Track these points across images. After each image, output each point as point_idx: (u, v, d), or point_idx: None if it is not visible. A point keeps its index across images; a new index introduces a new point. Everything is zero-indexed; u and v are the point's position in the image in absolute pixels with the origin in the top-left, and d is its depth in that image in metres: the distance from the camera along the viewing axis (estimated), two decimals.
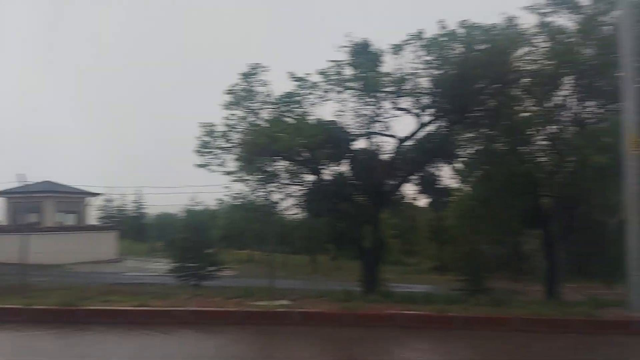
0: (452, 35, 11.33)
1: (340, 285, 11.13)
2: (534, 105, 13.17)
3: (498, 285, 17.78)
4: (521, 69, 12.16)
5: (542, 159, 13.33)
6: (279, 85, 13.31)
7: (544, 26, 12.47)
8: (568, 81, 12.51)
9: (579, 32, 12.09)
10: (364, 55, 12.23)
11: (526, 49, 12.26)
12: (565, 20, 12.46)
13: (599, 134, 11.12)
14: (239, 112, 13.12)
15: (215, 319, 7.28)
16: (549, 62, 12.26)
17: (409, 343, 6.49)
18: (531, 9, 12.48)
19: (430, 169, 13.89)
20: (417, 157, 13.03)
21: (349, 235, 13.53)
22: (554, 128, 13.12)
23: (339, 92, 12.63)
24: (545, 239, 14.37)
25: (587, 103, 12.74)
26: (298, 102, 12.79)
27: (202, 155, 13.30)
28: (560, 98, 12.88)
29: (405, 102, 12.48)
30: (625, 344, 6.48)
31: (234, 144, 12.87)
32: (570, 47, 11.90)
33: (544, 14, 12.49)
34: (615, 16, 9.24)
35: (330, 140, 12.35)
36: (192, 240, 18.45)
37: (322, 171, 13.45)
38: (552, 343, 6.42)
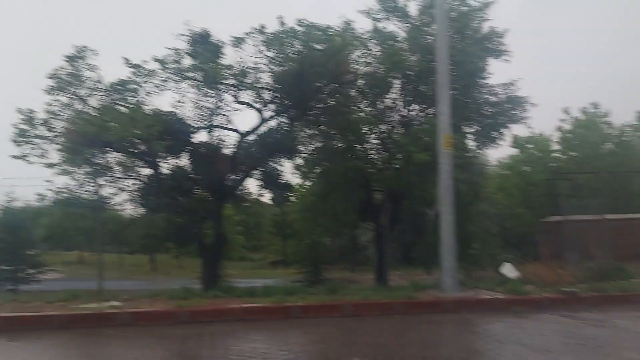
0: (291, 33, 11.59)
1: (181, 284, 10.73)
2: (367, 106, 14.16)
3: (336, 275, 18.82)
4: (356, 70, 12.93)
5: (375, 156, 14.37)
6: (111, 71, 12.38)
7: (376, 31, 13.44)
8: (396, 85, 13.65)
9: (406, 39, 13.26)
10: (203, 46, 11.89)
11: (361, 52, 13.10)
12: (395, 28, 13.60)
13: (420, 134, 12.28)
14: (64, 99, 11.88)
15: (33, 324, 6.53)
16: (381, 66, 13.27)
17: (246, 335, 6.50)
18: (366, 13, 13.37)
19: (273, 164, 14.05)
20: (259, 152, 13.08)
21: (189, 231, 13.08)
22: (384, 128, 14.24)
23: (177, 81, 12.14)
24: (376, 230, 15.52)
25: (412, 106, 14.05)
26: (133, 90, 11.98)
27: (19, 145, 11.79)
28: (390, 100, 14.01)
29: (247, 96, 12.47)
30: (438, 320, 7.25)
31: (58, 133, 11.62)
32: (398, 53, 13.00)
33: (377, 20, 13.48)
34: (435, 28, 10.24)
35: (169, 132, 11.79)
36: (8, 240, 16.34)
37: (160, 164, 12.80)
38: (378, 324, 6.95)
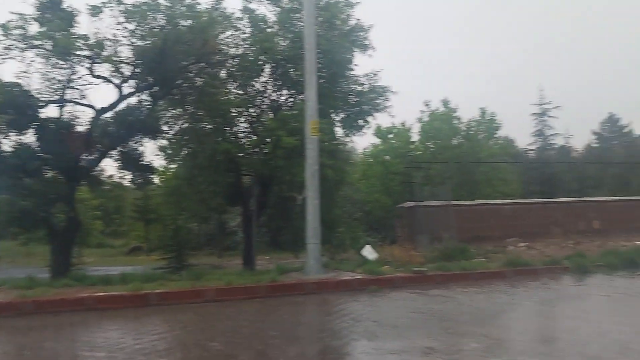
0: (154, 6, 10.91)
1: (29, 272, 9.74)
2: (236, 89, 13.95)
3: (203, 261, 18.44)
4: (225, 51, 12.61)
5: (244, 140, 14.24)
6: None
7: (247, 12, 13.24)
8: (267, 69, 13.61)
9: (276, 23, 13.24)
10: (54, 12, 10.68)
11: (230, 33, 12.79)
12: (266, 11, 13.49)
13: (289, 119, 12.42)
14: None
15: None
16: (251, 49, 13.12)
17: (98, 325, 6.13)
18: None
19: (133, 145, 13.14)
20: (118, 130, 12.13)
21: (36, 215, 11.79)
22: (254, 112, 14.16)
23: (23, 50, 10.77)
24: (244, 215, 15.44)
25: (282, 91, 14.14)
26: None
27: None
28: (260, 84, 13.95)
29: (104, 70, 11.46)
30: (300, 302, 7.49)
31: None
32: (269, 37, 12.95)
33: (248, 0, 13.27)
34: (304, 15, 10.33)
35: (11, 104, 10.45)
36: None
37: (1, 141, 11.36)
38: (240, 308, 6.97)
